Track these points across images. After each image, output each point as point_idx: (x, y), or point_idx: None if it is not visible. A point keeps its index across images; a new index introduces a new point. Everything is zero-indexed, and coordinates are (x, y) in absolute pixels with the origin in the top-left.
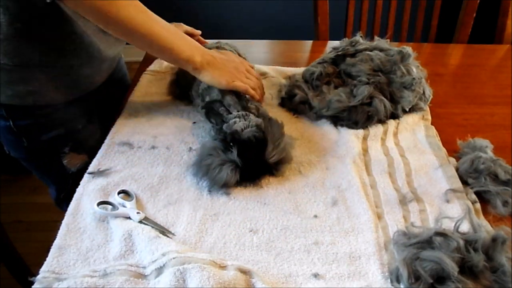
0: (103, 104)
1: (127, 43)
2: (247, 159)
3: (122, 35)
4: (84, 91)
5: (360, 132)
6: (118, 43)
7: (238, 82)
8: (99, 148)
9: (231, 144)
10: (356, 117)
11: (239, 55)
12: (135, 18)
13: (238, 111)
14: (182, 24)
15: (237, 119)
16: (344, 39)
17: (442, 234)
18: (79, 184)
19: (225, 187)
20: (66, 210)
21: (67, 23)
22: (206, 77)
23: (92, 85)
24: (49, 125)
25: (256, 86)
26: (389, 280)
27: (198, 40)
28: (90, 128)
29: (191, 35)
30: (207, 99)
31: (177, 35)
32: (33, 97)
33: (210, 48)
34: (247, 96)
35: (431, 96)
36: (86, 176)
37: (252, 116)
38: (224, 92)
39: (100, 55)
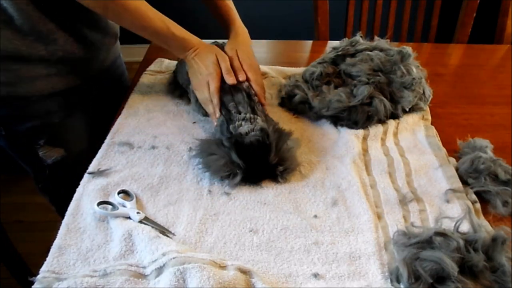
0: (90, 101)
1: (121, 44)
2: (250, 162)
3: (117, 18)
4: (62, 86)
5: (360, 132)
6: (107, 42)
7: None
8: (81, 143)
9: (235, 145)
10: (356, 117)
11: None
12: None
13: (246, 113)
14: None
15: (243, 122)
16: (344, 39)
17: (442, 234)
18: (55, 175)
19: (226, 186)
20: (46, 198)
21: (41, 16)
22: (196, 64)
23: (72, 81)
24: (24, 117)
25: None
26: (389, 280)
27: None
28: (69, 123)
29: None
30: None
31: (171, 22)
32: (6, 88)
33: None
34: (256, 99)
35: (431, 96)
36: (86, 176)
37: (259, 120)
38: (234, 89)
39: (80, 52)
